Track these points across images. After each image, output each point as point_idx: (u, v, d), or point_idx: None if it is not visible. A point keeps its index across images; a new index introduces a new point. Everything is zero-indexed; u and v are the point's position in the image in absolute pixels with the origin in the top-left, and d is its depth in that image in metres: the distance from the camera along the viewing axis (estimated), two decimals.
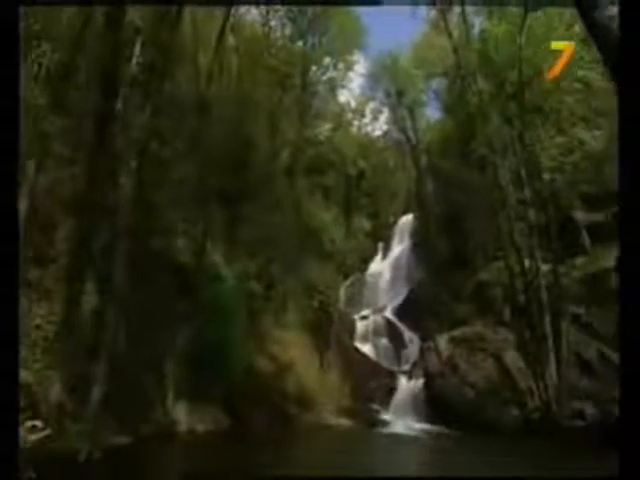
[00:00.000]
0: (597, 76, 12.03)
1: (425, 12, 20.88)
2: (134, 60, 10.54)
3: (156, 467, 7.88)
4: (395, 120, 28.10)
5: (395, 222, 26.88)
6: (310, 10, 22.94)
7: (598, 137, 12.49)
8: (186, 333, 12.21)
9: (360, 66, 28.58)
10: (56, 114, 8.97)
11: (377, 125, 30.74)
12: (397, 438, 11.98)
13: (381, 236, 26.79)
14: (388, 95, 27.32)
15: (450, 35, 17.92)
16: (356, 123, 30.44)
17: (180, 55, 14.04)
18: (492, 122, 15.43)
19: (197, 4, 15.47)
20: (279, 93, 21.42)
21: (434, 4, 18.58)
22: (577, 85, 13.06)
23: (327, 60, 25.29)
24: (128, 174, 9.77)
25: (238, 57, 20.79)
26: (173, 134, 13.47)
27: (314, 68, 24.99)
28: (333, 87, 26.43)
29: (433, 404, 13.29)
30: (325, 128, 27.43)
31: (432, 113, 29.92)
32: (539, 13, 13.60)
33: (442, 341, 14.20)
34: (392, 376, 15.51)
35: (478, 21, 20.10)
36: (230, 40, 20.41)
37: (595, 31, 4.24)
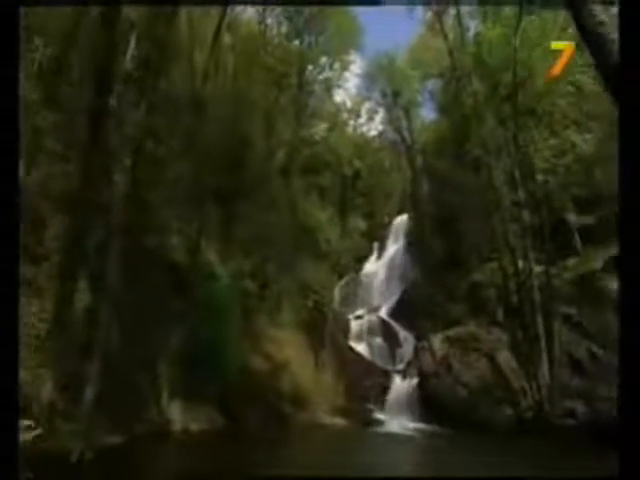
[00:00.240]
0: (589, 80, 12.20)
1: (421, 14, 21.00)
2: (128, 56, 10.44)
3: (149, 467, 7.84)
4: (391, 120, 28.20)
5: (390, 222, 26.98)
6: (307, 9, 22.92)
7: (589, 140, 12.68)
8: (180, 332, 12.17)
9: (356, 66, 28.65)
10: (49, 109, 8.88)
11: (373, 125, 30.87)
12: (391, 437, 12.04)
13: (376, 236, 26.89)
14: (384, 95, 27.41)
15: (446, 37, 18.08)
16: (352, 123, 30.54)
17: (175, 52, 13.96)
18: (486, 123, 15.59)
19: (193, 4, 15.38)
20: (275, 92, 21.40)
21: (430, 3, 18.65)
22: (570, 88, 13.23)
23: (323, 60, 25.31)
24: (122, 172, 9.72)
25: (234, 55, 20.73)
26: (168, 132, 13.42)
27: (310, 67, 24.99)
28: (329, 87, 26.46)
29: (427, 403, 13.39)
30: (321, 128, 27.46)
31: (427, 114, 30.10)
32: (533, 16, 13.76)
33: (436, 341, 14.31)
34: (386, 375, 15.59)
35: (473, 24, 20.31)
36: (226, 38, 20.36)
37: (587, 36, 4.33)
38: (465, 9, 20.02)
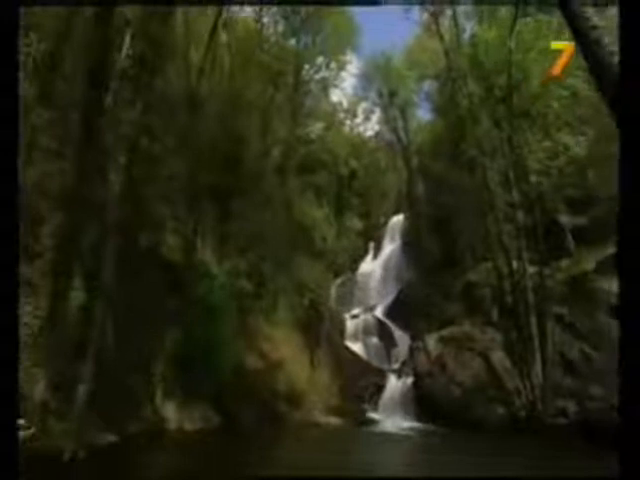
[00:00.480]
0: (582, 84, 12.35)
1: (418, 14, 21.05)
2: (124, 53, 10.36)
3: (142, 466, 7.81)
4: (387, 120, 28.28)
5: (386, 222, 27.07)
6: (303, 9, 22.89)
7: (582, 142, 12.84)
8: (175, 330, 12.16)
9: (353, 66, 28.70)
10: (43, 106, 8.79)
11: (369, 125, 30.87)
12: (385, 436, 12.10)
13: (372, 236, 26.98)
14: (380, 95, 27.46)
15: (442, 38, 18.17)
16: (348, 123, 30.51)
17: (171, 50, 13.87)
18: (482, 125, 15.72)
19: (189, 4, 15.31)
20: (271, 91, 21.35)
21: (426, 2, 18.72)
22: (563, 92, 13.38)
23: (320, 59, 25.29)
24: (117, 170, 9.66)
25: (230, 53, 20.66)
26: (164, 130, 13.34)
27: (307, 67, 24.97)
28: (325, 86, 26.44)
29: (422, 402, 13.48)
30: (317, 127, 27.44)
31: (424, 115, 30.23)
32: (528, 19, 13.88)
33: (431, 340, 14.41)
34: (382, 375, 15.67)
35: (469, 25, 20.45)
36: (222, 36, 20.27)
37: (580, 39, 4.41)
38: (461, 11, 20.21)
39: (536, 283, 13.06)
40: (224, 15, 18.25)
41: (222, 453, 8.96)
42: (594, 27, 4.22)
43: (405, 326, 17.99)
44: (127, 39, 10.43)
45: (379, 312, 19.90)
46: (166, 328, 12.08)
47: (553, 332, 12.26)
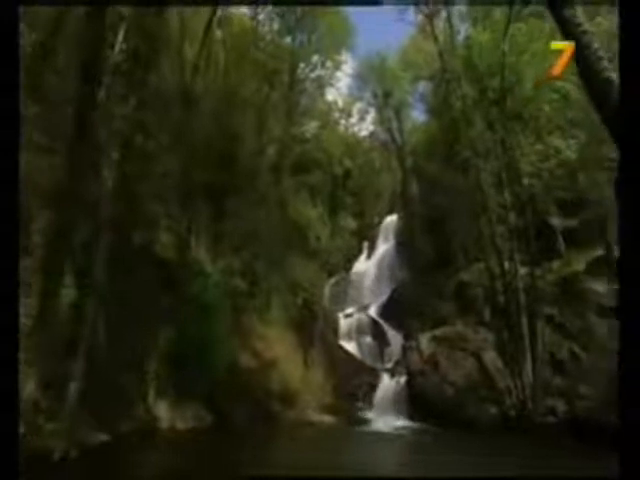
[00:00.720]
0: (574, 87, 12.53)
1: (412, 16, 21.17)
2: (117, 48, 10.25)
3: (135, 465, 7.79)
4: (382, 121, 28.37)
5: (380, 222, 27.18)
6: (299, 7, 22.84)
7: (572, 146, 13.06)
8: (168, 329, 12.11)
9: (348, 66, 28.71)
10: (32, 99, 8.64)
11: (364, 125, 31.01)
12: (378, 435, 12.16)
13: (366, 235, 27.08)
14: (375, 96, 27.55)
15: (436, 40, 18.30)
16: (343, 122, 30.61)
17: (165, 45, 13.75)
18: (475, 126, 15.88)
19: (183, 4, 15.20)
20: (266, 89, 21.30)
21: (421, 3, 18.81)
22: (554, 95, 13.58)
23: (315, 58, 25.28)
24: (110, 166, 9.57)
25: (225, 50, 20.54)
26: (157, 126, 13.23)
27: (302, 65, 24.94)
28: (321, 85, 26.45)
29: (414, 401, 13.60)
30: (312, 126, 27.44)
31: (418, 115, 30.36)
32: (521, 23, 14.05)
33: (424, 340, 14.55)
34: (375, 374, 15.77)
35: (463, 28, 20.62)
36: (217, 33, 20.16)
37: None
38: (456, 13, 20.36)
39: (527, 284, 13.26)
40: (219, 13, 18.16)
41: (214, 452, 8.96)
42: (584, 32, 4.34)
43: (398, 325, 18.11)
44: (121, 34, 10.32)
45: (373, 311, 20.00)
46: (159, 326, 12.03)
47: (543, 332, 12.47)
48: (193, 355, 11.75)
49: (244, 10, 22.80)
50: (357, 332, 18.56)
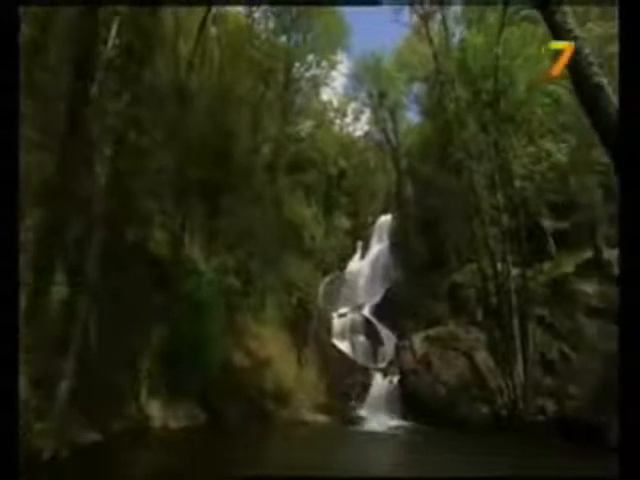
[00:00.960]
0: (565, 92, 12.71)
1: (408, 17, 21.24)
2: (110, 42, 10.13)
3: (127, 465, 7.74)
4: (377, 121, 28.46)
5: (374, 222, 27.27)
6: (294, 7, 22.81)
7: (563, 149, 13.24)
8: (161, 327, 12.06)
9: (343, 66, 28.77)
10: (23, 94, 8.49)
11: (359, 125, 31.06)
12: (372, 435, 12.23)
13: (360, 235, 27.16)
14: (370, 96, 27.62)
15: (431, 41, 18.42)
16: (338, 122, 30.62)
17: (159, 41, 13.63)
18: (469, 128, 16.03)
19: (177, 4, 15.09)
20: (261, 87, 21.24)
21: (416, 2, 18.92)
22: (546, 99, 13.76)
23: (310, 57, 25.27)
24: (103, 162, 9.48)
25: (220, 48, 20.44)
26: (151, 123, 13.13)
27: (297, 64, 24.91)
28: (316, 85, 26.45)
29: (407, 401, 13.71)
30: (307, 125, 27.42)
31: (412, 117, 30.52)
32: (514, 27, 14.20)
33: (417, 340, 14.66)
34: (368, 373, 15.86)
35: (458, 30, 20.78)
36: (212, 30, 20.04)
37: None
38: (451, 15, 20.52)
39: (519, 285, 13.43)
40: (214, 10, 18.06)
41: (207, 451, 8.93)
42: (575, 38, 4.44)
43: (392, 325, 18.21)
44: (114, 27, 10.20)
45: (366, 311, 20.09)
46: (152, 324, 11.97)
47: (534, 332, 12.66)
48: (186, 353, 11.72)
49: (239, 8, 22.70)
50: (351, 332, 18.63)
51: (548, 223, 15.85)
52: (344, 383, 15.63)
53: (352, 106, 30.11)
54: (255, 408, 13.47)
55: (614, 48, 10.94)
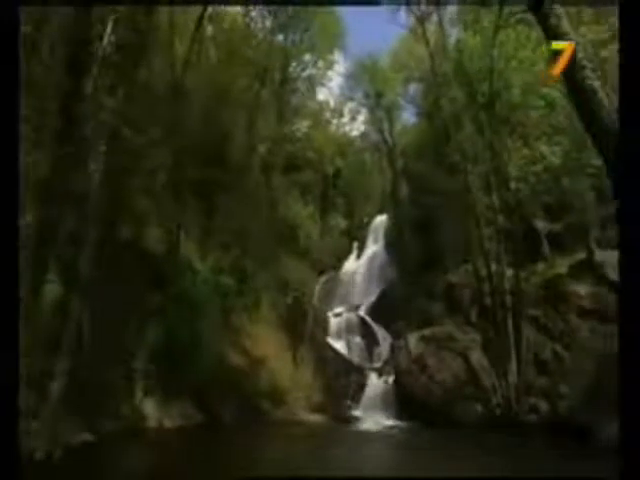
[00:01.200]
0: (559, 95, 12.83)
1: (404, 17, 21.34)
2: (106, 39, 10.04)
3: (116, 466, 7.69)
4: (373, 121, 28.53)
5: (370, 222, 27.33)
6: (291, 7, 22.78)
7: (557, 152, 13.37)
8: (156, 326, 12.01)
9: (340, 66, 28.81)
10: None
11: (355, 125, 31.17)
12: (368, 434, 12.30)
13: (356, 235, 27.19)
14: (367, 96, 27.69)
15: (427, 43, 18.52)
16: (334, 122, 30.69)
17: (155, 39, 13.54)
18: (465, 129, 16.13)
19: (172, 4, 15.01)
20: (257, 86, 21.21)
21: (413, 3, 19.00)
22: (541, 102, 13.88)
23: (307, 57, 25.28)
24: (97, 159, 9.41)
25: (216, 46, 20.37)
26: (146, 121, 13.05)
27: (294, 64, 24.92)
28: (312, 84, 26.48)
29: (402, 401, 13.76)
30: (303, 125, 27.43)
31: (409, 117, 30.66)
32: (510, 30, 14.29)
33: (412, 340, 14.73)
34: (363, 373, 15.91)
35: (454, 32, 20.91)
36: (208, 29, 19.98)
37: (557, 53, 4.66)
38: (447, 17, 20.63)
39: (513, 285, 13.56)
40: (210, 10, 17.99)
41: (202, 451, 8.92)
42: (570, 41, 4.52)
43: (387, 325, 18.28)
44: (110, 23, 10.11)
45: (362, 311, 20.14)
46: (147, 323, 11.92)
47: (528, 333, 12.80)
48: (181, 352, 11.70)
49: (236, 7, 22.63)
50: (346, 331, 18.66)
51: (542, 225, 16.00)
52: (339, 383, 15.67)
53: (349, 106, 30.23)
54: (250, 407, 13.47)
55: (607, 52, 11.13)
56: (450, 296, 16.28)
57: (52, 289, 8.63)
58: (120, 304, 10.72)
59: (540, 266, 14.73)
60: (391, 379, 14.69)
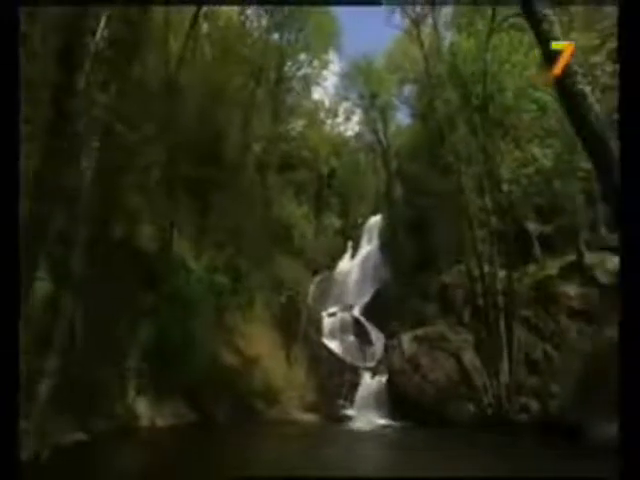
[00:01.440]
0: (550, 98, 13.01)
1: (400, 19, 21.44)
2: (99, 34, 9.93)
3: (108, 466, 7.65)
4: (367, 122, 28.63)
5: (364, 222, 27.43)
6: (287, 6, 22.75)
7: (548, 155, 13.56)
8: (150, 325, 11.95)
9: (335, 65, 28.84)
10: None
11: (350, 125, 31.25)
12: (360, 433, 12.37)
13: (350, 235, 27.27)
14: (361, 97, 27.78)
15: (422, 45, 18.65)
16: (329, 122, 30.73)
17: (149, 35, 13.42)
18: (458, 131, 16.28)
19: (167, 4, 14.90)
20: (252, 85, 21.16)
21: (409, 3, 19.12)
22: (533, 106, 14.06)
23: (302, 56, 25.28)
24: (89, 156, 9.32)
25: (211, 44, 20.27)
26: (140, 117, 12.93)
27: (289, 63, 24.90)
28: (308, 84, 26.48)
29: (395, 400, 13.86)
30: (298, 124, 27.42)
31: (403, 118, 30.84)
32: (503, 34, 14.46)
33: (406, 340, 14.85)
34: (357, 373, 16.00)
35: (449, 34, 21.08)
36: (204, 26, 19.87)
37: (549, 56, 4.77)
38: (442, 19, 20.80)
39: (505, 286, 13.72)
40: (204, 8, 17.89)
41: (195, 450, 8.90)
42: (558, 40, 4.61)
43: (381, 325, 18.39)
44: (103, 21, 10.00)
45: (356, 311, 20.23)
46: (140, 321, 11.86)
47: (519, 333, 12.99)
48: (174, 351, 11.65)
49: (232, 5, 22.51)
50: (340, 331, 18.74)
51: (533, 227, 16.22)
52: (333, 382, 15.74)
53: (343, 106, 30.30)
54: (244, 406, 13.47)
55: (597, 58, 11.36)
56: (443, 296, 16.42)
57: (42, 287, 8.53)
58: (113, 302, 10.64)
59: (531, 267, 14.92)
60: (384, 379, 14.79)
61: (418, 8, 19.40)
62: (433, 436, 11.24)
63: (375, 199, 29.19)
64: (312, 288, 22.18)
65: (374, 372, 15.63)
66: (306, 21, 23.57)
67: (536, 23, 4.77)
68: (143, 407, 11.23)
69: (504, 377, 12.56)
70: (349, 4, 24.02)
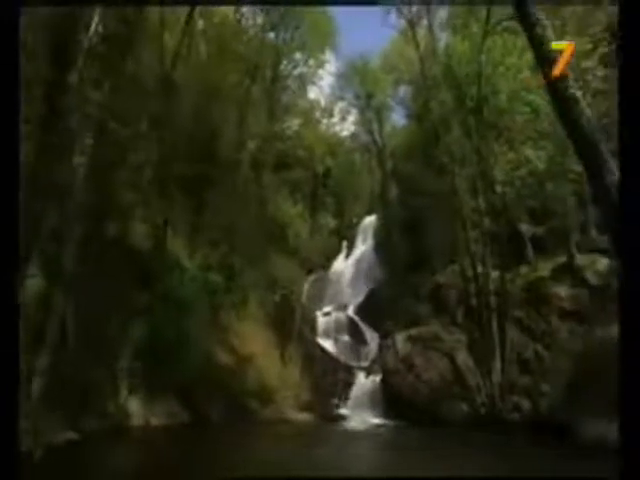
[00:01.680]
0: (543, 102, 13.17)
1: (395, 20, 21.51)
2: (92, 29, 9.81)
3: (104, 465, 7.61)
4: (363, 122, 28.69)
5: (359, 222, 27.51)
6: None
7: (542, 157, 13.73)
8: (143, 323, 11.89)
9: (331, 65, 28.83)
10: None
11: (345, 125, 31.28)
12: (354, 433, 12.44)
13: (345, 235, 27.33)
14: (357, 97, 27.82)
15: (417, 46, 18.74)
16: (325, 121, 30.73)
17: (144, 32, 13.30)
18: (453, 132, 16.40)
19: (162, 4, 14.78)
20: (247, 83, 21.07)
21: (405, 3, 19.18)
22: (526, 108, 14.22)
23: (298, 55, 25.23)
24: (83, 152, 9.23)
25: (206, 41, 20.14)
26: (134, 114, 12.82)
27: (285, 62, 24.84)
28: (303, 83, 26.44)
29: (389, 400, 13.96)
30: (294, 123, 27.37)
31: (398, 119, 30.98)
32: (497, 37, 14.59)
33: (400, 339, 14.95)
34: (351, 372, 16.07)
35: (444, 36, 21.21)
36: (199, 23, 19.73)
37: (542, 59, 4.84)
38: (437, 21, 20.92)
39: (498, 287, 13.87)
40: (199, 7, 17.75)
41: (189, 449, 8.89)
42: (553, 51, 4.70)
43: (375, 325, 18.48)
44: (97, 14, 9.89)
45: (351, 310, 20.30)
46: (133, 320, 11.79)
47: (512, 333, 13.15)
48: (168, 350, 11.60)
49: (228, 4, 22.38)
50: (335, 330, 18.79)
51: (526, 228, 16.40)
52: (327, 381, 15.79)
53: (339, 106, 30.32)
54: (237, 406, 13.46)
55: (589, 63, 11.53)
56: (437, 297, 16.53)
57: (34, 284, 8.44)
58: (106, 300, 10.58)
59: (524, 269, 15.10)
60: (378, 378, 14.87)
61: (414, 8, 19.48)
62: (427, 435, 11.34)
63: (370, 199, 29.27)
64: (306, 287, 22.20)
65: (368, 372, 15.72)
66: (302, 20, 23.52)
67: (529, 27, 4.84)
68: (136, 406, 11.17)
69: (497, 377, 12.71)
70: (341, 4, 23.99)
